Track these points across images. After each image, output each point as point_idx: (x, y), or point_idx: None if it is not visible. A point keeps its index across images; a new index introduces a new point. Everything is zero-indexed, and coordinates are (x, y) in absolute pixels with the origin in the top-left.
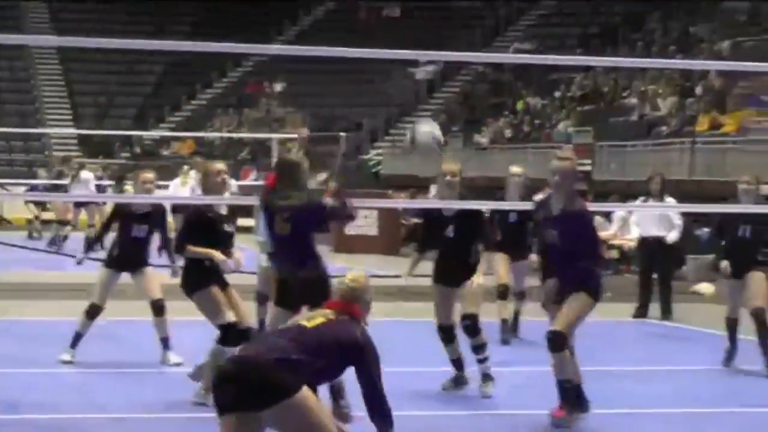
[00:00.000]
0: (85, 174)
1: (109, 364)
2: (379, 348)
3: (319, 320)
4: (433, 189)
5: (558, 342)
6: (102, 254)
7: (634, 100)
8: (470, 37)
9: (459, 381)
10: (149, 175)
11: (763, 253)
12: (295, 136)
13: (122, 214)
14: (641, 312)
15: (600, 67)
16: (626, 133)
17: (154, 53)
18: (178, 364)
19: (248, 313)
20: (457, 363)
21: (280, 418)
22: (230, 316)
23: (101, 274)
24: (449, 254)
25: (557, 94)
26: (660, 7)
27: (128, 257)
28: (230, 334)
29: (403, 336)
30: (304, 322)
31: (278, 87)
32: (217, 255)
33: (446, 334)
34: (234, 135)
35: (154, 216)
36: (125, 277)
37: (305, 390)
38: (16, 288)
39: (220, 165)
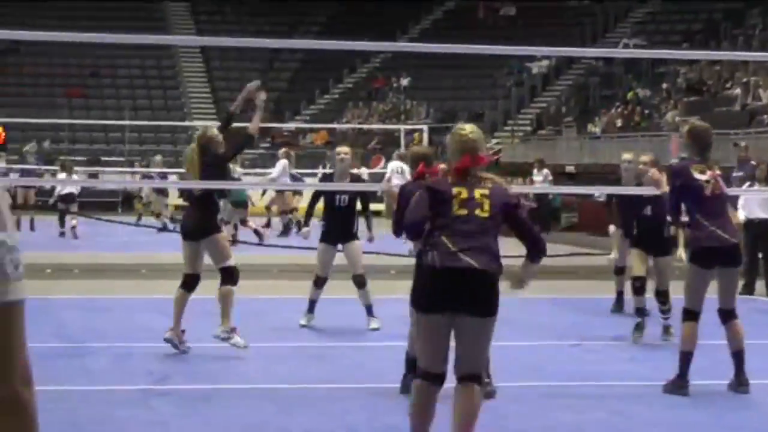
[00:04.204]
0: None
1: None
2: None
3: (486, 204)
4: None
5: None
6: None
7: (737, 91)
8: (582, 33)
9: None
10: (345, 148)
11: None
12: (419, 126)
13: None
14: (748, 289)
15: (704, 61)
16: (730, 122)
17: (290, 51)
18: (376, 329)
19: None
20: None
21: None
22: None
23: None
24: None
25: (664, 85)
26: (760, 4)
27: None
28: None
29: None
30: (479, 212)
31: (404, 81)
32: None
33: None
34: (364, 126)
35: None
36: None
37: None
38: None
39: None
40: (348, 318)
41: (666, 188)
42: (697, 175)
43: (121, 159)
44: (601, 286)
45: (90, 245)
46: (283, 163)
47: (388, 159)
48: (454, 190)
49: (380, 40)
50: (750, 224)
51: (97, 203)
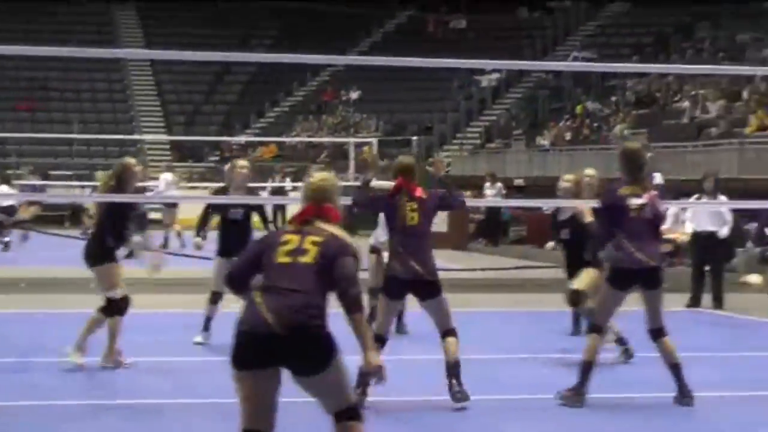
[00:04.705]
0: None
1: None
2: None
3: (314, 251)
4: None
5: None
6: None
7: (685, 104)
8: (532, 46)
9: None
10: (244, 162)
11: None
12: (369, 139)
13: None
14: (694, 302)
15: (653, 74)
16: (678, 134)
17: (240, 64)
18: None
19: None
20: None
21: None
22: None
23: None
24: None
25: (614, 98)
26: (708, 17)
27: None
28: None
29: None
30: (303, 259)
31: (354, 94)
32: None
33: None
34: (314, 139)
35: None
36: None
37: None
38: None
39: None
40: None
41: (590, 218)
42: (629, 198)
43: (69, 173)
44: (546, 299)
45: (37, 259)
46: (165, 177)
47: (338, 172)
48: (284, 238)
49: (331, 53)
50: (698, 237)
51: (44, 217)
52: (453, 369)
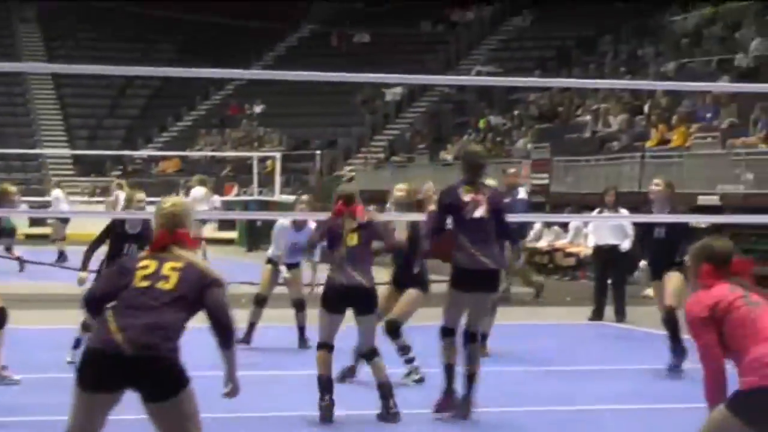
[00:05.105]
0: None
1: None
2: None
3: (175, 277)
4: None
5: None
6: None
7: (587, 118)
8: (435, 60)
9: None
10: (142, 195)
11: (681, 254)
12: (273, 154)
13: (115, 232)
14: (597, 315)
15: (556, 88)
16: (580, 148)
17: (142, 78)
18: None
19: None
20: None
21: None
22: None
23: None
24: None
25: (516, 112)
26: (610, 31)
27: None
28: None
29: None
30: (162, 285)
31: (258, 108)
32: None
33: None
34: (217, 154)
35: (147, 236)
36: None
37: None
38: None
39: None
40: None
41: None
42: (466, 197)
43: None
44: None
45: None
46: (56, 193)
47: (242, 186)
48: (141, 263)
49: (234, 67)
50: (599, 250)
51: None
52: (387, 388)
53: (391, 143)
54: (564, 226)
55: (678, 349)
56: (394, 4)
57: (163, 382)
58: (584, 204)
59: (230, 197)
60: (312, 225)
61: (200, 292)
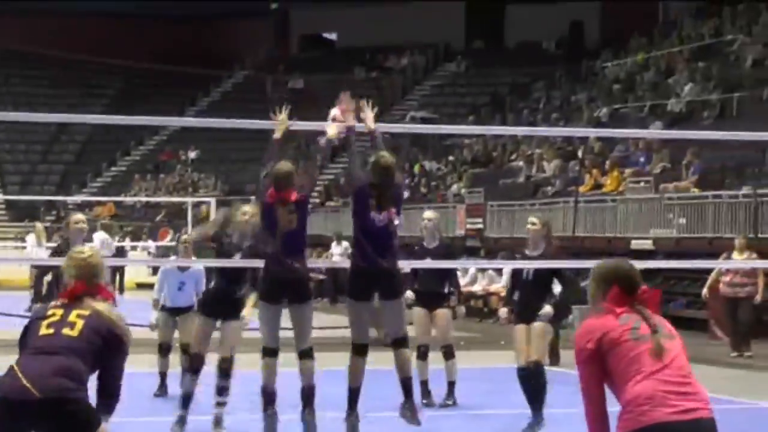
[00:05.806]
0: None
1: None
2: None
3: (80, 324)
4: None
5: None
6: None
7: (521, 163)
8: (372, 105)
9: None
10: (78, 215)
11: (548, 297)
12: (207, 199)
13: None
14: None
15: (490, 134)
16: (515, 193)
17: (77, 124)
18: None
19: None
20: None
21: None
22: None
23: None
24: None
25: (451, 158)
26: (544, 78)
27: None
28: None
29: None
30: (67, 331)
31: (192, 154)
32: None
33: None
34: (152, 199)
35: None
36: None
37: None
38: None
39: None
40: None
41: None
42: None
43: None
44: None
45: None
46: None
47: (176, 232)
48: (50, 312)
49: (169, 112)
50: None
51: None
52: (310, 392)
53: (327, 188)
54: (498, 270)
55: (537, 415)
56: (329, 50)
57: (73, 425)
58: (518, 249)
59: (165, 242)
60: (198, 267)
61: (104, 344)
